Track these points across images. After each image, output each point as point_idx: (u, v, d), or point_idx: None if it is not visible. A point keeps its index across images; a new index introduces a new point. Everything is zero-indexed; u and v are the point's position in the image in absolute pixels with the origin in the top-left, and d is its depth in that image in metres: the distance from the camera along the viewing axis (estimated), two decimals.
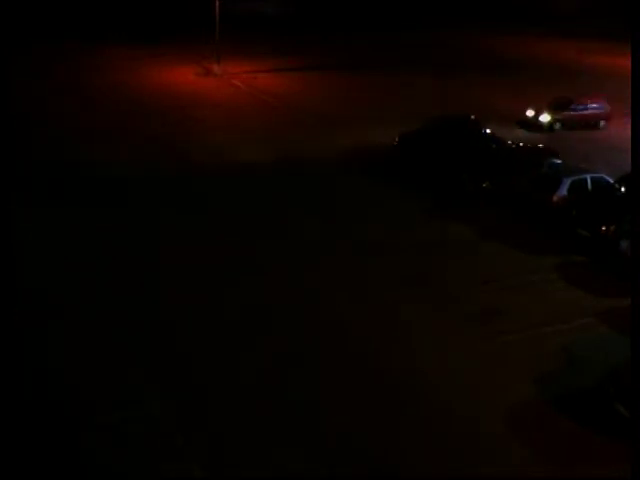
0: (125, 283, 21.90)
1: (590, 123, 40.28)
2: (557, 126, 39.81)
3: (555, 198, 27.13)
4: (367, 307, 21.16)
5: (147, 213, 26.91)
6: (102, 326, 19.53)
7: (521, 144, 32.42)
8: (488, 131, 34.37)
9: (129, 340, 19.02)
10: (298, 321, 20.25)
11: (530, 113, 40.50)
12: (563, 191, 27.25)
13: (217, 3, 49.77)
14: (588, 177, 27.89)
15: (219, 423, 16.14)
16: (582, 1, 74.14)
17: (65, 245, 23.94)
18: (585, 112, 40.42)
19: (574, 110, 40.23)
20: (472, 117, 35.78)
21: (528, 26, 67.90)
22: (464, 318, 20.90)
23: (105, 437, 15.55)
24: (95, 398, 16.65)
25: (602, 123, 40.69)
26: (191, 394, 17.14)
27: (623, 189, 26.92)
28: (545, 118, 39.88)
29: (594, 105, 40.71)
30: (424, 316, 20.92)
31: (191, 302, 20.93)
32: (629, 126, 37.19)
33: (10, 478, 13.88)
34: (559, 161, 30.65)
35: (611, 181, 27.83)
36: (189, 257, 23.56)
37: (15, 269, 14.50)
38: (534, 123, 39.95)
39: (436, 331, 20.23)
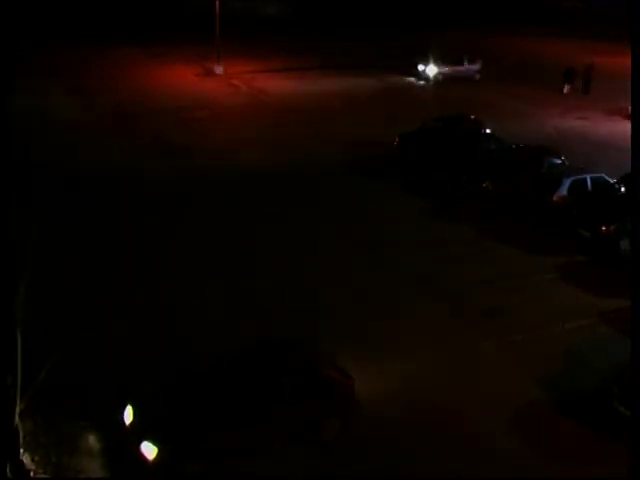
0: (125, 277, 22.06)
1: (467, 76, 49.88)
2: (440, 77, 49.26)
3: (555, 198, 27.12)
4: (367, 306, 21.15)
5: (145, 215, 26.91)
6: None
7: (521, 144, 32.41)
8: (488, 131, 34.37)
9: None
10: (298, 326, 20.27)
11: (421, 67, 50.23)
12: (563, 191, 27.25)
13: (217, 3, 49.73)
14: (588, 177, 27.88)
15: None
16: (588, 1, 74.07)
17: (63, 244, 23.95)
18: (462, 68, 50.51)
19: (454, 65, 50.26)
20: (472, 117, 35.79)
21: (532, 26, 67.92)
22: (464, 318, 20.92)
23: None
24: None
25: (477, 77, 50.64)
26: None
27: (623, 189, 26.92)
28: (431, 71, 49.58)
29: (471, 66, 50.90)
30: (424, 316, 20.92)
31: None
32: (610, 123, 39.10)
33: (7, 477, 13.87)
34: (559, 161, 30.65)
35: (611, 181, 27.81)
36: (186, 262, 23.55)
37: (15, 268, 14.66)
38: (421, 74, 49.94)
39: (436, 330, 20.23)
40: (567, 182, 27.37)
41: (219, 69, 49.43)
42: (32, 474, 14.38)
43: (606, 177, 28.00)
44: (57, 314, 19.21)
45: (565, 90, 47.24)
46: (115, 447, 15.17)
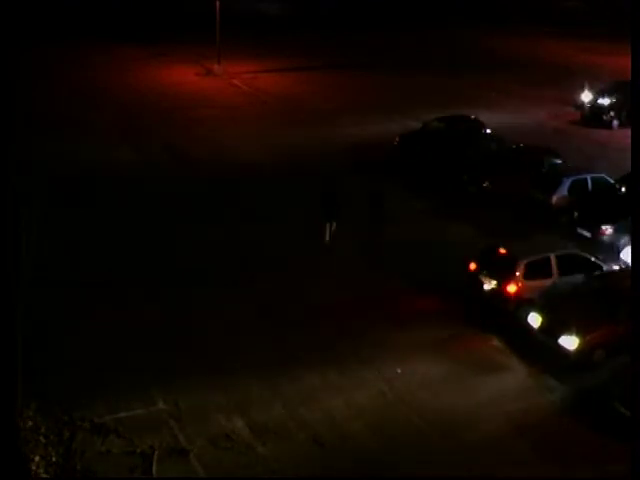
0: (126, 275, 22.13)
1: None
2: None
3: (555, 198, 27.11)
4: (366, 306, 21.15)
5: (145, 215, 26.91)
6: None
7: (521, 144, 32.39)
8: (488, 131, 34.36)
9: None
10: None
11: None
12: (563, 191, 27.24)
13: (217, 3, 49.72)
14: (588, 177, 27.87)
15: None
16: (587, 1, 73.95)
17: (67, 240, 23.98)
18: None
19: None
20: (472, 117, 35.79)
21: (530, 25, 67.90)
22: (465, 317, 20.95)
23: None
24: None
25: None
26: None
27: (623, 189, 26.90)
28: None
29: None
30: (424, 316, 20.92)
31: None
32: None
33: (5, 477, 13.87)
34: (559, 161, 30.63)
35: (611, 181, 27.80)
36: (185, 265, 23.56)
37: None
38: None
39: (436, 329, 20.25)
40: (567, 182, 27.38)
41: (219, 69, 49.43)
42: (32, 474, 14.38)
43: (607, 177, 28.00)
44: None
45: (327, 236, 25.37)
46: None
